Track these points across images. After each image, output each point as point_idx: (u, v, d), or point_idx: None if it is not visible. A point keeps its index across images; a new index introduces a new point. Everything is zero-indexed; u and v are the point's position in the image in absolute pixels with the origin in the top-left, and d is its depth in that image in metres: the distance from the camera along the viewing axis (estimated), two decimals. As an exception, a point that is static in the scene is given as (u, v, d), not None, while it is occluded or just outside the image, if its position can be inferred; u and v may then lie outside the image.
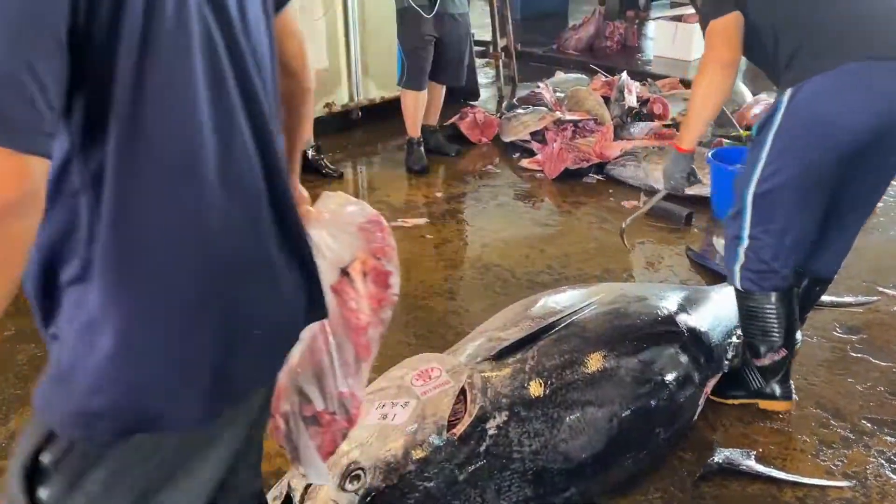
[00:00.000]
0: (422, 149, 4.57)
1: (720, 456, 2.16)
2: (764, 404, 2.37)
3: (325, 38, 4.74)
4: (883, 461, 2.21)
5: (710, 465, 2.14)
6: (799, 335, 2.41)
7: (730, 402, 2.41)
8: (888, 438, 2.30)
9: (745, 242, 2.20)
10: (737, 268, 2.25)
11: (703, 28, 2.23)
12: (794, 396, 2.38)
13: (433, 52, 4.31)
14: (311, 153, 4.27)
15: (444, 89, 4.64)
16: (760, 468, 2.15)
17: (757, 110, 4.79)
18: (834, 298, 2.93)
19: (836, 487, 2.11)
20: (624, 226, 3.32)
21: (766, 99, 4.92)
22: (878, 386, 2.55)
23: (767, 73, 2.22)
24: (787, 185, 2.11)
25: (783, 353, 2.30)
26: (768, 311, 2.26)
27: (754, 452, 2.21)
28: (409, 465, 1.74)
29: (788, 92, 2.05)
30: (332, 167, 4.38)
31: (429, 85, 4.45)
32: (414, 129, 4.52)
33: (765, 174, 2.11)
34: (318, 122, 4.99)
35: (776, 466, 2.18)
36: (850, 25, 2.05)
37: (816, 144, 2.06)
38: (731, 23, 2.14)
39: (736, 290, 2.32)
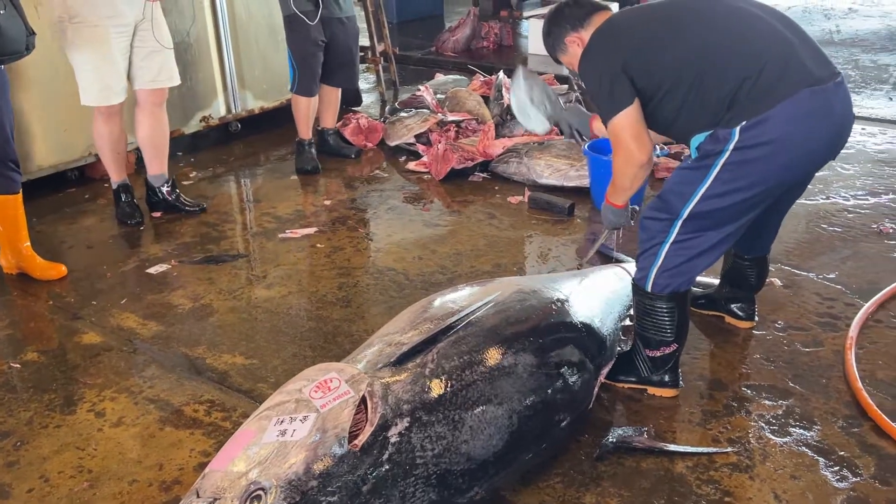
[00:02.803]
0: (313, 150, 4.58)
1: (614, 435, 2.24)
2: (653, 390, 2.49)
3: (196, 52, 4.62)
4: (763, 424, 2.36)
5: (605, 445, 2.22)
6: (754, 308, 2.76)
7: (620, 385, 2.50)
8: (766, 402, 2.45)
9: (668, 246, 2.29)
10: (654, 270, 2.32)
11: (605, 124, 2.32)
12: (681, 383, 2.50)
13: (323, 56, 4.34)
14: (164, 189, 3.94)
15: (339, 92, 4.67)
16: (652, 442, 2.25)
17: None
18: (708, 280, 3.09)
19: (722, 453, 2.24)
20: (584, 262, 3.25)
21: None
22: (755, 354, 2.71)
23: (688, 126, 2.28)
24: (728, 209, 2.21)
25: (674, 346, 2.42)
26: (664, 311, 2.37)
27: (646, 428, 2.31)
28: (311, 482, 1.71)
29: (742, 124, 2.11)
30: (191, 202, 4.01)
31: (323, 89, 4.48)
32: (305, 132, 4.53)
33: (706, 197, 2.19)
34: (195, 136, 4.90)
35: (667, 439, 2.29)
36: (786, 57, 2.15)
37: (775, 174, 2.17)
38: (633, 116, 2.25)
39: (635, 285, 2.41)
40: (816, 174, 2.40)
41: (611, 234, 2.96)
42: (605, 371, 2.45)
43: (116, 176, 3.82)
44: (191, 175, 4.52)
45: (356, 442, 1.78)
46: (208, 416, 2.46)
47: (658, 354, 2.43)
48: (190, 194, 4.12)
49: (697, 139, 2.25)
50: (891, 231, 3.57)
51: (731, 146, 2.14)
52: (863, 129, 4.94)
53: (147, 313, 3.08)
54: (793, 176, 2.25)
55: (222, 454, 1.82)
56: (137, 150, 4.02)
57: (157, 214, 3.94)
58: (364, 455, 1.77)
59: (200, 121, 4.80)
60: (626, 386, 2.51)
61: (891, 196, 3.96)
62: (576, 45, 2.46)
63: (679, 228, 2.26)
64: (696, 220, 2.24)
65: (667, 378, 2.46)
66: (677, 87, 2.22)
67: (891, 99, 5.61)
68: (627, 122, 2.26)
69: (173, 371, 2.70)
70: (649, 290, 2.35)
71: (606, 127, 2.35)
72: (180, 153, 4.80)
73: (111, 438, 2.37)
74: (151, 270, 3.42)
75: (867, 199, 3.93)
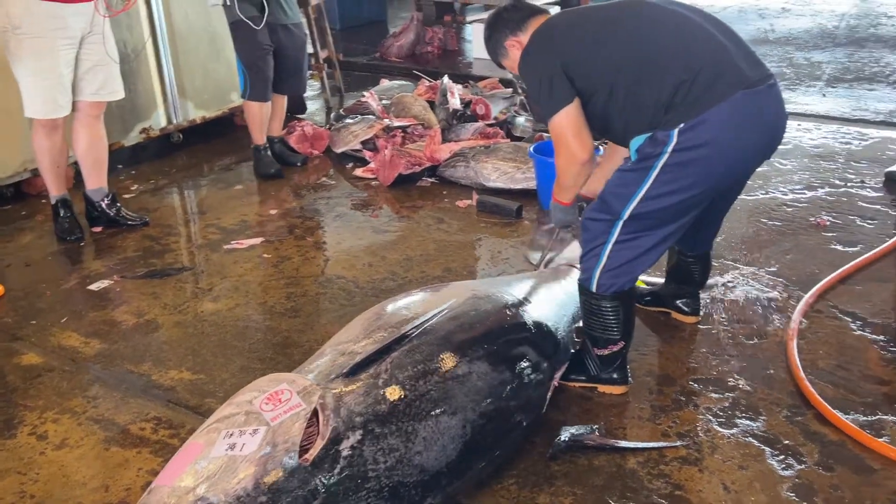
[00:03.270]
0: (269, 154, 4.55)
1: (566, 434, 2.26)
2: (602, 388, 2.51)
3: (134, 63, 4.53)
4: (710, 417, 2.40)
5: (558, 445, 2.23)
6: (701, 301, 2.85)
7: (571, 385, 2.53)
8: (713, 395, 2.50)
9: (610, 246, 2.31)
10: (598, 270, 2.35)
11: (546, 123, 2.34)
12: (630, 380, 2.53)
13: (273, 62, 4.31)
14: (104, 203, 3.83)
15: (285, 99, 4.66)
16: (603, 440, 2.27)
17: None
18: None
19: (672, 447, 2.27)
20: (540, 264, 3.22)
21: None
22: (701, 348, 2.76)
23: (626, 128, 2.30)
24: (668, 209, 2.25)
25: (621, 344, 2.45)
26: (609, 310, 2.40)
27: (597, 426, 2.32)
28: (260, 497, 1.68)
29: (680, 126, 2.15)
30: (133, 215, 3.90)
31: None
32: (260, 137, 4.51)
33: (646, 198, 2.23)
34: (136, 148, 4.80)
35: (618, 436, 2.32)
36: (720, 60, 2.20)
37: (712, 175, 2.21)
38: (574, 113, 2.28)
39: (580, 286, 2.44)
40: (756, 170, 2.45)
41: (561, 233, 2.99)
42: (559, 374, 2.47)
43: (56, 190, 3.73)
44: (132, 188, 4.42)
45: (307, 456, 1.76)
46: (155, 433, 2.41)
47: (606, 353, 2.46)
48: (131, 208, 4.04)
49: (637, 141, 2.28)
50: (828, 224, 3.68)
51: (670, 148, 2.18)
52: (798, 125, 5.08)
53: (89, 331, 3.00)
54: (730, 176, 2.30)
55: (169, 469, 1.78)
56: (76, 163, 3.92)
57: (98, 229, 3.85)
58: (315, 469, 1.75)
59: (141, 132, 4.71)
60: (577, 385, 2.53)
61: (827, 189, 4.08)
62: (515, 48, 2.48)
63: (620, 229, 2.29)
64: (636, 221, 2.27)
65: (616, 375, 2.49)
66: (614, 89, 2.25)
67: (824, 95, 5.78)
68: (567, 121, 2.29)
69: (118, 389, 2.63)
70: (594, 290, 2.38)
71: (549, 130, 2.37)
72: (121, 166, 4.69)
73: (54, 461, 2.31)
74: (93, 287, 3.33)
75: (804, 193, 4.04)
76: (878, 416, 2.37)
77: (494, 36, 2.54)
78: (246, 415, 1.83)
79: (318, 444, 1.78)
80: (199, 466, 1.73)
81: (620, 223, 2.28)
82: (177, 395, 2.59)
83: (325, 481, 1.75)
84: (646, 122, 2.23)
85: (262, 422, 1.80)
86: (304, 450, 1.77)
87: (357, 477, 1.79)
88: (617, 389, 2.50)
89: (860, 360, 2.66)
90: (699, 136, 2.16)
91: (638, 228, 2.28)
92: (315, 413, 1.84)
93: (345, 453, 1.79)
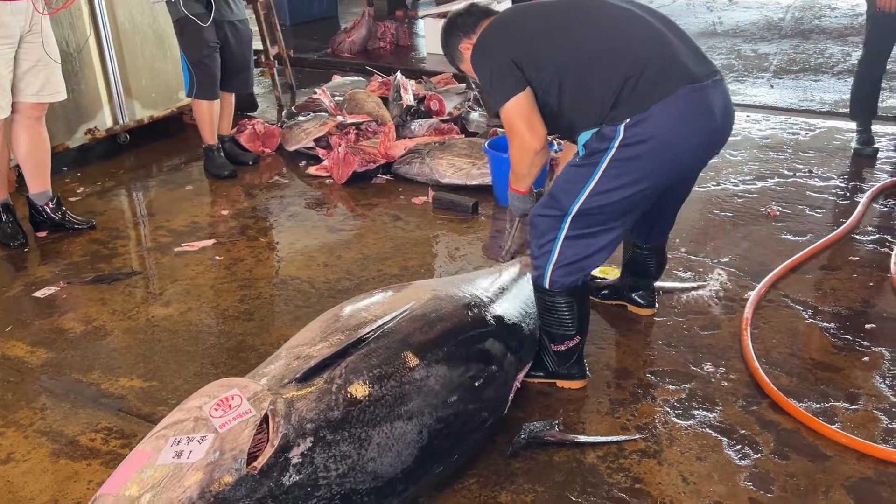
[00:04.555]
0: (222, 155, 4.49)
1: (526, 431, 2.25)
2: (561, 383, 2.51)
3: (78, 62, 4.40)
4: (668, 409, 2.42)
5: (518, 442, 2.23)
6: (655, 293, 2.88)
7: (530, 381, 2.52)
8: (670, 387, 2.52)
9: (560, 242, 2.31)
10: (549, 266, 2.34)
11: (497, 114, 2.34)
12: (588, 374, 2.54)
13: (220, 59, 4.25)
14: (48, 206, 3.71)
15: (233, 97, 4.59)
16: (563, 436, 2.27)
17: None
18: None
19: (631, 441, 2.28)
20: (504, 255, 3.25)
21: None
22: (657, 340, 2.78)
23: (574, 122, 2.31)
24: (615, 204, 2.25)
25: (577, 339, 2.46)
26: (563, 306, 2.40)
27: (557, 422, 2.32)
28: None
29: (626, 121, 2.17)
30: (79, 219, 3.79)
31: None
32: (211, 137, 4.44)
33: (594, 193, 2.23)
34: (81, 150, 4.67)
35: (578, 431, 2.32)
36: (665, 56, 2.21)
37: (659, 169, 2.22)
38: (523, 102, 2.27)
39: (534, 283, 2.43)
40: (705, 164, 2.47)
41: (520, 222, 2.98)
42: (521, 377, 2.46)
43: (-3, 195, 3.60)
44: (78, 191, 4.30)
45: (255, 464, 1.71)
46: (106, 444, 2.33)
47: (563, 349, 2.46)
48: (77, 211, 3.92)
49: (584, 136, 2.29)
50: (777, 214, 3.74)
51: (616, 143, 2.19)
52: (748, 116, 5.17)
53: (35, 340, 2.90)
54: (676, 171, 2.30)
55: (115, 477, 1.74)
56: (18, 167, 3.80)
57: (43, 234, 3.73)
58: (263, 477, 1.71)
59: (86, 133, 4.58)
60: (537, 381, 2.52)
61: (777, 180, 4.15)
62: (470, 51, 2.47)
63: (569, 224, 2.29)
64: (585, 217, 2.27)
65: (573, 370, 2.50)
66: (562, 83, 2.26)
67: (772, 86, 5.88)
68: (518, 110, 2.29)
69: (66, 399, 2.55)
70: (547, 287, 2.38)
71: (501, 120, 2.37)
72: (66, 168, 4.56)
73: (0, 476, 2.22)
74: (38, 294, 3.23)
75: (755, 184, 4.10)
76: (830, 403, 2.42)
77: (450, 41, 2.56)
78: (194, 421, 1.79)
79: (268, 452, 1.74)
80: (145, 475, 1.69)
81: (569, 219, 2.28)
82: (128, 404, 2.52)
83: (274, 490, 1.71)
84: (593, 118, 2.24)
85: (211, 428, 1.76)
86: (252, 457, 1.73)
87: (307, 485, 1.75)
88: (575, 384, 2.51)
89: (812, 348, 2.71)
90: (645, 131, 2.17)
91: (587, 224, 2.29)
92: (265, 419, 1.80)
93: (295, 461, 1.75)
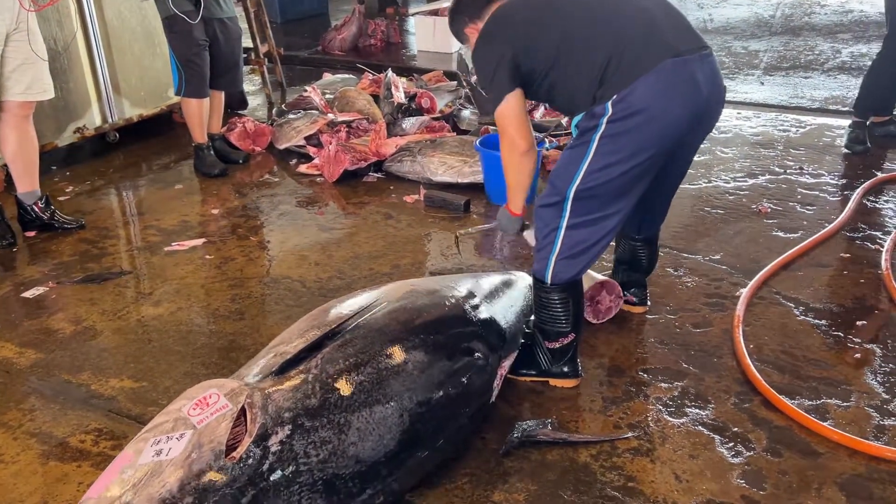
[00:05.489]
0: (212, 153, 4.46)
1: (519, 430, 2.25)
2: (554, 382, 2.51)
3: (66, 61, 4.37)
4: (661, 406, 2.42)
5: (511, 441, 2.22)
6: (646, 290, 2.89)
7: (522, 379, 2.52)
8: (662, 385, 2.52)
9: (563, 231, 2.33)
10: (552, 258, 2.36)
11: (491, 113, 2.39)
12: (581, 373, 2.54)
13: (209, 57, 4.22)
14: (37, 206, 3.67)
15: (222, 95, 4.56)
16: (555, 435, 2.27)
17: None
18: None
19: (624, 439, 2.28)
20: (458, 235, 3.28)
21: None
22: (649, 338, 2.78)
23: (571, 103, 2.36)
24: (611, 182, 2.26)
25: (571, 336, 2.46)
26: (558, 302, 2.41)
27: (549, 420, 2.32)
28: (186, 498, 1.66)
29: (613, 98, 2.19)
30: (68, 218, 3.76)
31: None
32: (200, 135, 4.41)
33: (589, 172, 2.26)
34: (70, 149, 4.64)
35: (570, 430, 2.32)
36: (648, 32, 2.25)
37: (648, 142, 2.23)
38: (515, 104, 2.33)
39: (534, 278, 2.44)
40: (697, 159, 2.47)
41: (503, 238, 3.00)
42: (507, 364, 2.45)
43: (-16, 195, 3.57)
44: (67, 190, 4.27)
45: (234, 454, 1.73)
46: (96, 445, 2.32)
47: (557, 346, 2.45)
48: (67, 210, 3.89)
49: (577, 119, 2.33)
50: (769, 211, 3.74)
51: (605, 120, 2.22)
52: (738, 113, 5.18)
53: (24, 340, 2.88)
54: (666, 143, 2.29)
55: (99, 481, 1.76)
56: (6, 166, 3.76)
57: (31, 234, 3.70)
58: (243, 466, 1.73)
59: (75, 132, 4.54)
60: (529, 379, 2.52)
61: (767, 177, 4.15)
62: (474, 35, 2.50)
63: (570, 210, 2.31)
64: (584, 201, 2.29)
65: (566, 369, 2.49)
66: (554, 68, 2.30)
67: (762, 83, 5.89)
68: (509, 111, 2.34)
69: (56, 401, 2.53)
70: (548, 280, 2.38)
71: (494, 119, 2.40)
72: (55, 167, 4.53)
73: (-12, 480, 2.21)
74: (27, 294, 3.20)
75: (746, 181, 4.11)
76: (822, 401, 2.42)
77: (455, 22, 2.59)
78: (174, 422, 1.82)
79: (246, 442, 1.76)
80: (126, 475, 1.72)
81: (568, 204, 2.30)
82: (118, 405, 2.50)
83: (255, 478, 1.73)
84: (588, 97, 2.27)
85: (189, 425, 1.79)
86: (231, 448, 1.75)
87: (288, 471, 1.77)
88: (568, 383, 2.50)
89: (804, 345, 2.71)
90: (631, 106, 2.19)
91: (587, 210, 2.30)
92: (243, 412, 1.82)
93: (273, 449, 1.78)
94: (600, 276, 2.82)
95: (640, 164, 2.26)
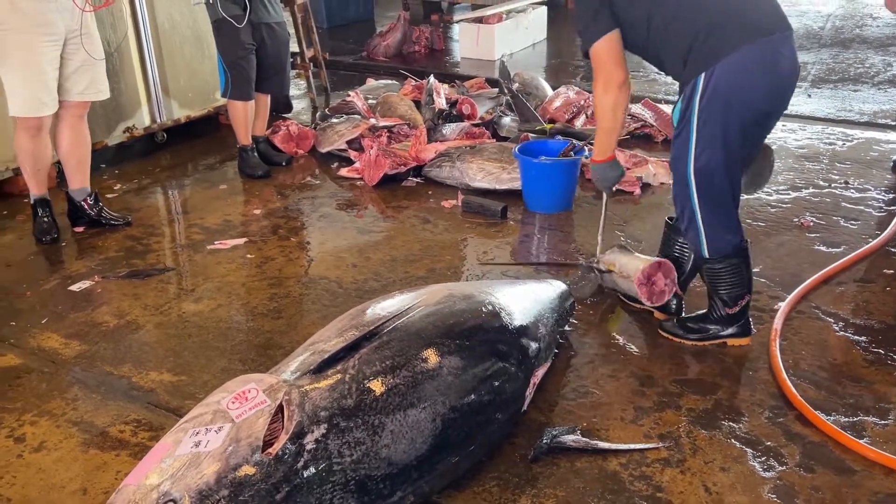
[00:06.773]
0: (256, 155, 4.55)
1: (548, 436, 2.25)
2: (732, 342, 2.73)
3: (118, 62, 4.50)
4: (692, 418, 2.40)
5: (540, 447, 2.23)
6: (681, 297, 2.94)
7: (690, 343, 2.75)
8: (694, 397, 2.50)
9: (699, 212, 2.53)
10: (702, 236, 2.57)
11: (586, 50, 2.54)
12: (753, 330, 2.75)
13: (255, 61, 4.29)
14: (87, 202, 3.79)
15: (268, 98, 4.63)
16: (585, 442, 2.26)
17: (558, 103, 5.06)
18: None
19: (654, 449, 2.27)
20: (600, 238, 3.13)
21: (566, 92, 5.20)
22: (683, 349, 2.76)
23: (661, 62, 2.56)
24: (716, 156, 2.45)
25: (747, 297, 2.67)
26: (727, 269, 2.62)
27: (579, 428, 2.32)
28: (222, 491, 1.70)
29: (703, 76, 2.38)
30: (116, 215, 3.87)
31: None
32: (245, 137, 4.50)
33: (698, 151, 2.46)
34: (119, 148, 4.76)
35: (600, 438, 2.31)
36: (741, 11, 2.41)
37: (733, 118, 2.40)
38: (612, 42, 2.50)
39: (698, 259, 2.67)
40: (773, 123, 2.62)
41: (609, 197, 3.02)
42: (540, 373, 2.46)
43: (36, 190, 3.69)
44: (115, 187, 4.39)
45: (270, 450, 1.77)
46: (134, 436, 2.38)
47: (737, 309, 2.67)
48: (114, 207, 4.01)
49: (675, 114, 2.52)
50: (811, 224, 3.69)
51: (698, 96, 2.39)
52: (784, 125, 5.10)
53: (70, 332, 2.97)
54: (753, 116, 2.45)
55: (138, 469, 1.81)
56: (59, 162, 3.89)
57: (80, 229, 3.82)
58: (278, 463, 1.76)
59: (124, 131, 4.67)
60: (698, 343, 2.74)
61: (811, 190, 4.09)
62: None
63: (695, 188, 2.49)
64: (703, 175, 2.47)
65: (744, 329, 2.72)
66: (650, 24, 2.45)
67: (809, 96, 5.80)
68: (607, 47, 2.49)
69: (97, 391, 2.61)
70: (708, 255, 2.59)
71: (590, 57, 2.57)
72: (104, 165, 4.66)
73: (32, 464, 2.28)
74: (74, 287, 3.30)
75: (789, 194, 4.05)
76: (859, 418, 2.38)
77: None
78: (213, 414, 1.86)
79: (282, 439, 1.79)
80: (165, 464, 1.76)
81: (692, 186, 2.49)
82: (157, 397, 2.57)
83: (288, 474, 1.76)
84: (677, 60, 2.44)
85: (228, 419, 1.83)
86: (268, 444, 1.78)
87: (322, 470, 1.80)
88: (743, 341, 2.72)
89: (842, 361, 2.67)
90: (719, 85, 2.35)
91: (706, 188, 2.48)
92: (280, 409, 1.86)
93: (309, 447, 1.81)
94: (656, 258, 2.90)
95: (730, 140, 2.43)
